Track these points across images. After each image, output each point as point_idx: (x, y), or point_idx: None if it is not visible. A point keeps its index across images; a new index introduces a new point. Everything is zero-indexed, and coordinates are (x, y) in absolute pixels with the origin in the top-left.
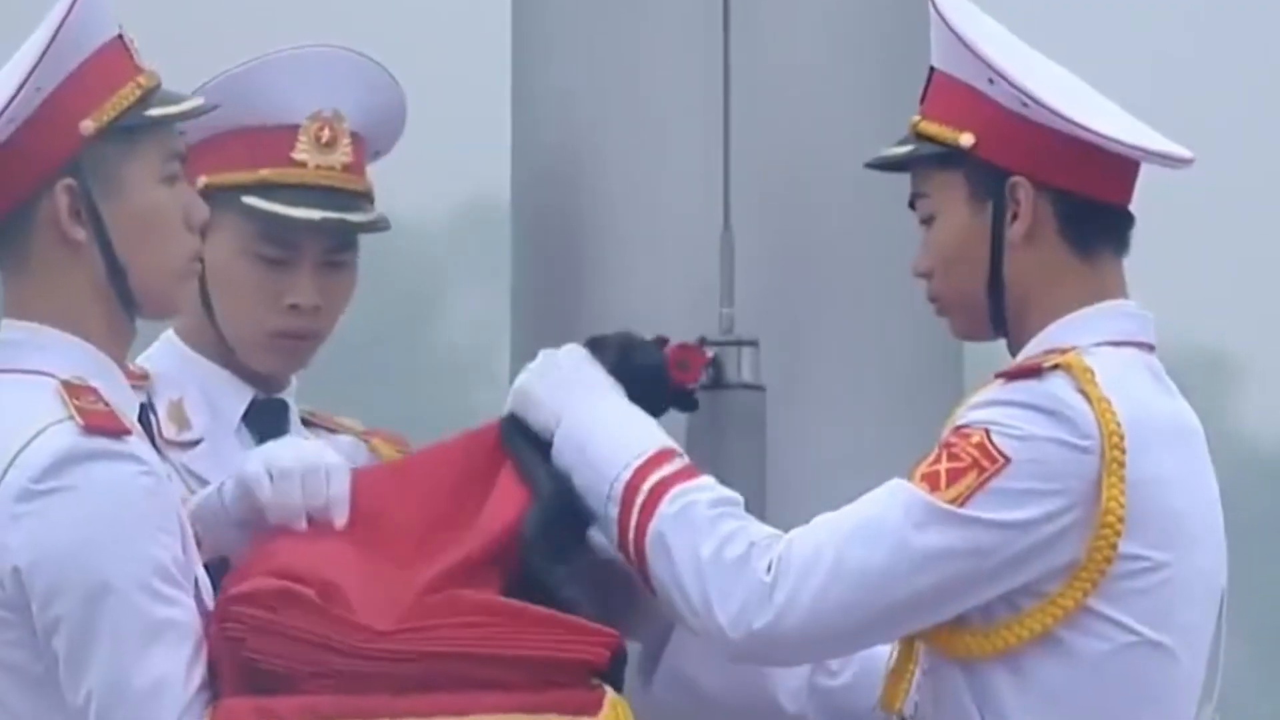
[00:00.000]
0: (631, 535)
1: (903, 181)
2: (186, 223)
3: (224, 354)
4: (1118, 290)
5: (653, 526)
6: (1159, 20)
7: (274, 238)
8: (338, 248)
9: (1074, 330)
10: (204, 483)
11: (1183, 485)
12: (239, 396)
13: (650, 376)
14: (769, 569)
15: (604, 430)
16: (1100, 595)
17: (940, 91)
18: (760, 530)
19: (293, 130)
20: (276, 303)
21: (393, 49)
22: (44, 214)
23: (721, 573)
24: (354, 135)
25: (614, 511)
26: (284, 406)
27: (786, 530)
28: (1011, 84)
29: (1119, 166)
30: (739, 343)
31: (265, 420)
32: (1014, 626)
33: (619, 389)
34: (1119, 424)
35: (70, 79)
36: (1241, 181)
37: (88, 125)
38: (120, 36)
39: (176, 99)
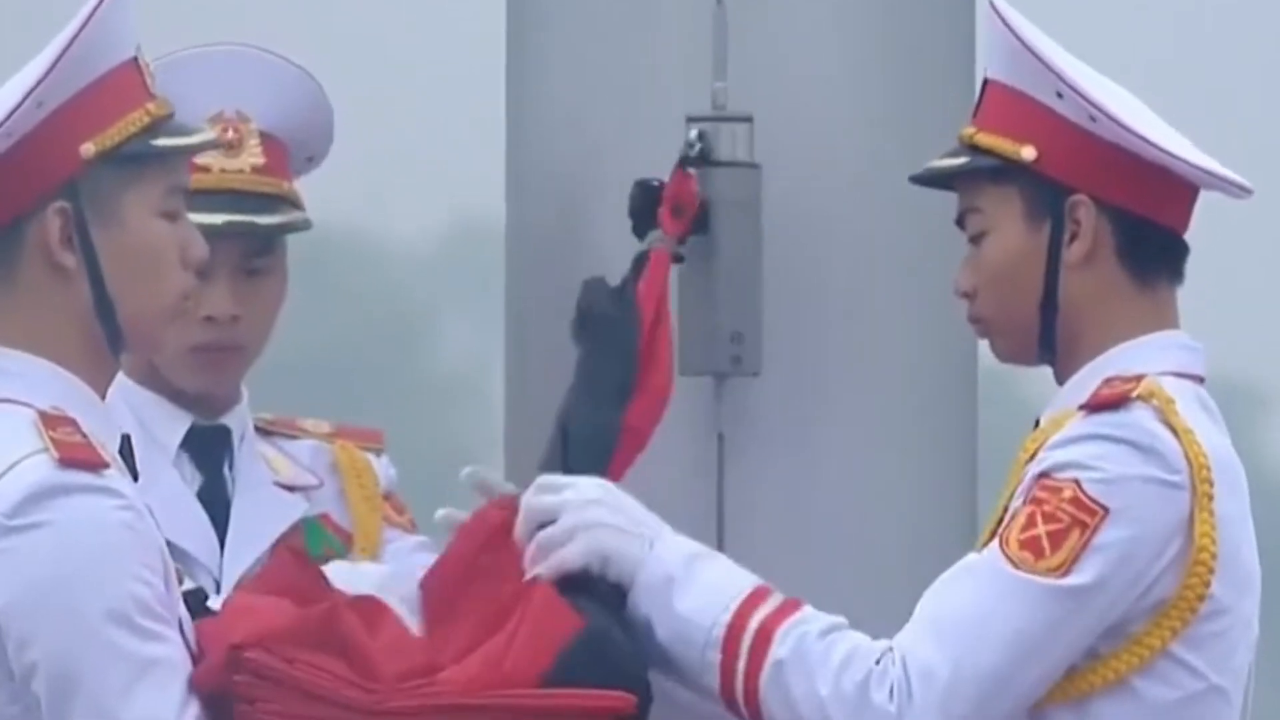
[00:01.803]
0: (740, 680)
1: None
2: (183, 260)
3: (159, 380)
4: (1172, 320)
5: (766, 671)
6: (1180, 48)
7: None
8: (254, 253)
9: (1136, 358)
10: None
11: (1242, 525)
12: (175, 424)
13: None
14: (891, 696)
15: (689, 574)
16: (1182, 639)
17: (998, 103)
18: (870, 649)
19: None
20: (193, 315)
21: (383, 67)
22: (34, 236)
23: (846, 709)
24: (267, 136)
25: (715, 657)
26: (225, 432)
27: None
28: (1084, 97)
29: (1180, 190)
30: (732, 119)
31: (205, 447)
32: (1088, 676)
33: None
34: (1206, 456)
35: (76, 98)
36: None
37: (88, 148)
38: (136, 60)
39: (187, 130)
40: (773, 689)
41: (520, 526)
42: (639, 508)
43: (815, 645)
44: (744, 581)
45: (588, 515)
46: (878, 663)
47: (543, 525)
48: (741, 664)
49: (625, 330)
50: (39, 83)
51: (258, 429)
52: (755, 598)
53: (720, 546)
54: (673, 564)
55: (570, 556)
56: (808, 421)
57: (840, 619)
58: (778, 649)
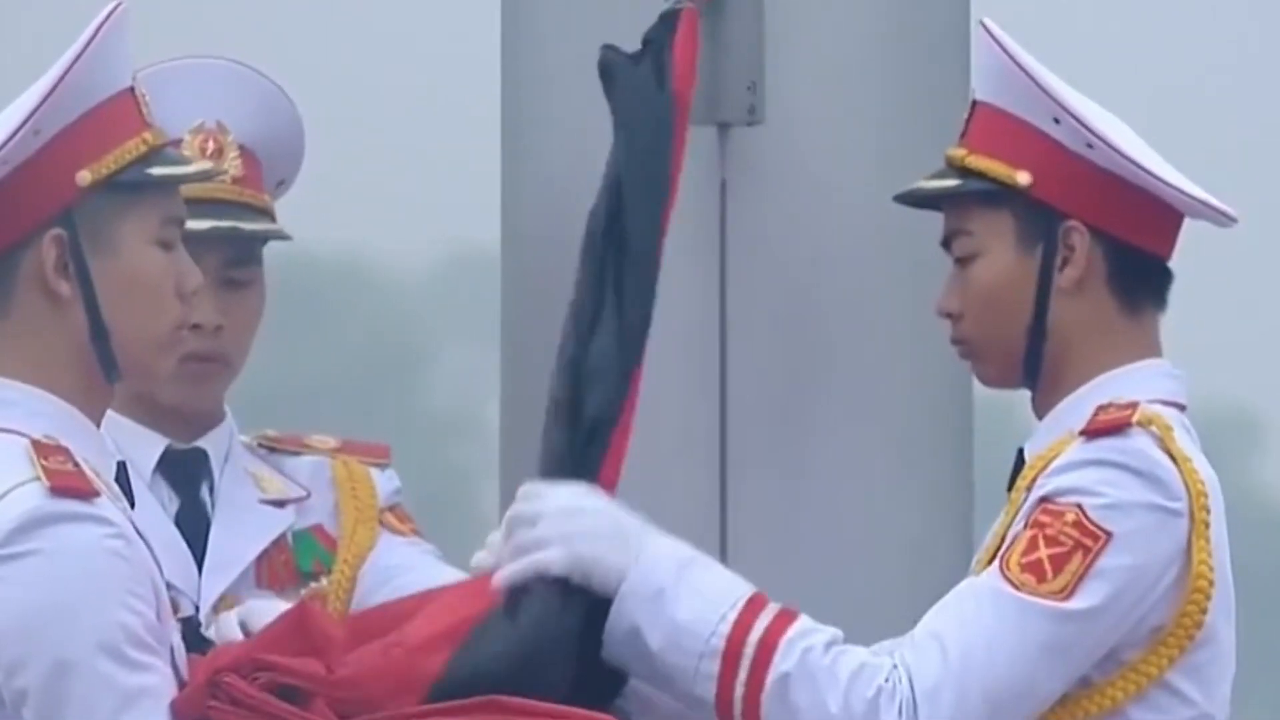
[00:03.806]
0: (741, 693)
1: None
2: (178, 291)
3: (134, 403)
4: (1156, 348)
5: (770, 685)
6: (1165, 70)
7: None
8: (236, 263)
9: (1127, 385)
10: None
11: (1225, 552)
12: (149, 447)
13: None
14: (900, 713)
15: (682, 581)
16: (1177, 667)
17: (990, 126)
18: (877, 666)
19: (174, 144)
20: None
21: (377, 98)
22: (30, 263)
23: None
24: (244, 149)
25: (713, 667)
26: (201, 455)
27: None
28: (1083, 124)
29: (1168, 218)
30: None
31: (181, 470)
32: (1083, 703)
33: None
34: (1203, 483)
35: (73, 126)
36: (1266, 236)
37: (85, 176)
38: (132, 90)
39: (184, 161)
40: (777, 703)
41: (503, 538)
42: (621, 511)
43: (821, 660)
44: (740, 589)
45: (567, 526)
46: (886, 680)
47: None
48: (743, 675)
49: (659, 92)
50: (36, 110)
51: (260, 446)
52: (754, 605)
53: (722, 297)
54: (663, 572)
55: (551, 563)
56: (809, 170)
57: (837, 631)
58: (782, 662)
